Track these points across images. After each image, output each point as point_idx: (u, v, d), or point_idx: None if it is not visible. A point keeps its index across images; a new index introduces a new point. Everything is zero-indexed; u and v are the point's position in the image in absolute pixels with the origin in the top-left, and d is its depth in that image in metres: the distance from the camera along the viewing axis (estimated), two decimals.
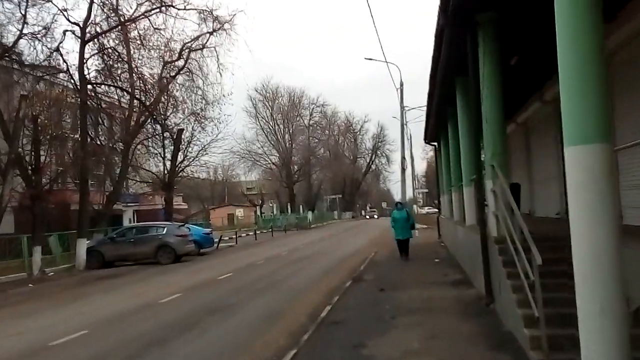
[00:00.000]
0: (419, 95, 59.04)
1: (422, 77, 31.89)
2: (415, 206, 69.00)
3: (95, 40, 23.55)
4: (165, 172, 29.43)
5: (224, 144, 34.65)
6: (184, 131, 29.08)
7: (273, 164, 61.59)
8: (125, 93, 26.70)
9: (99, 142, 25.67)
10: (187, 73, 31.22)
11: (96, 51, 23.46)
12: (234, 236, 38.32)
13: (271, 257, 21.75)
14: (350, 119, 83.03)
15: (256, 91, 62.36)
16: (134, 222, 48.15)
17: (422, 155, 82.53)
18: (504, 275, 6.57)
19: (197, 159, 29.97)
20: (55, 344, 8.12)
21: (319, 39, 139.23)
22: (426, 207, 78.29)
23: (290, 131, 62.38)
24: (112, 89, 27.22)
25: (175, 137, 28.73)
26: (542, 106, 12.08)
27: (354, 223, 62.44)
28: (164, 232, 22.16)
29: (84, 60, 22.34)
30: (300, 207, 70.41)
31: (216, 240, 28.43)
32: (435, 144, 22.82)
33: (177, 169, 29.29)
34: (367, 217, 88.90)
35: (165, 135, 29.38)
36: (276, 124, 62.90)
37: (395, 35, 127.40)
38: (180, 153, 29.62)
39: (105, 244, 21.86)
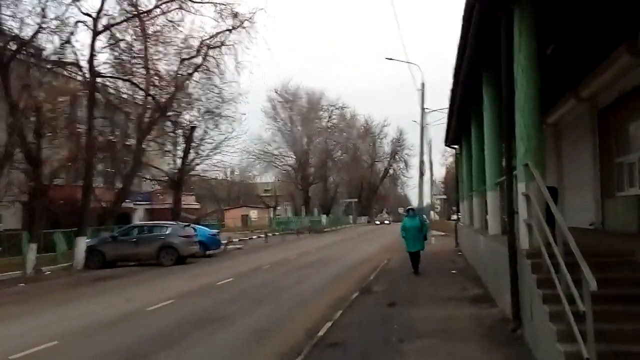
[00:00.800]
0: (440, 99, 57.64)
1: (444, 80, 30.70)
2: (432, 212, 67.47)
3: (109, 32, 22.82)
4: (175, 170, 28.57)
5: (237, 143, 33.75)
6: (197, 129, 28.24)
7: (289, 165, 60.56)
8: (138, 89, 25.92)
9: (109, 138, 24.97)
10: (205, 70, 30.61)
11: (108, 44, 22.62)
12: (244, 238, 37.49)
13: (278, 261, 20.67)
14: (370, 123, 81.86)
15: (276, 92, 61.64)
16: (143, 221, 48.07)
17: (441, 161, 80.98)
18: (539, 298, 5.35)
19: (210, 157, 29.03)
20: (14, 358, 7.11)
21: (340, 41, 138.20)
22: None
23: (308, 133, 61.28)
24: (127, 84, 26.57)
25: (187, 134, 27.90)
26: (577, 104, 10.82)
27: (369, 228, 61.11)
28: (168, 232, 21.23)
29: (94, 52, 21.54)
30: (315, 210, 69.38)
31: (224, 241, 27.45)
32: (457, 146, 21.52)
33: (187, 167, 28.40)
34: (377, 222, 79.96)
35: (177, 132, 28.60)
36: (294, 126, 61.94)
37: (417, 37, 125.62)
38: (192, 151, 28.79)
39: (106, 243, 20.99)
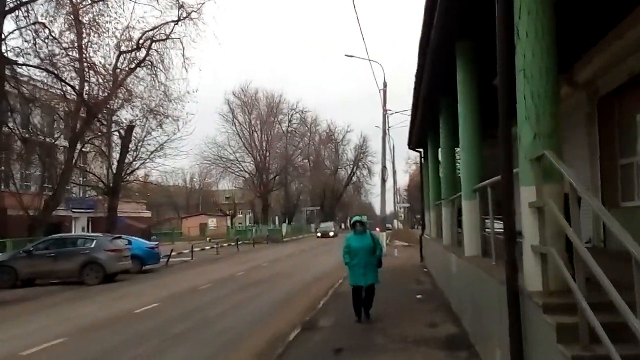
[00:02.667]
0: (404, 102, 56.09)
1: (408, 83, 28.75)
2: (396, 221, 65.72)
3: (24, 14, 19.85)
4: (110, 174, 25.58)
5: (182, 146, 29.31)
6: (137, 129, 25.39)
7: (245, 171, 57.62)
8: (63, 82, 22.94)
9: (27, 136, 21.85)
10: (148, 66, 27.93)
11: (20, 26, 19.63)
12: (196, 249, 34.63)
13: (222, 279, 18.05)
14: (332, 128, 79.87)
15: (234, 95, 58.74)
16: (88, 231, 44.34)
17: (404, 168, 79.69)
18: None
19: (150, 160, 26.09)
20: None
21: (302, 44, 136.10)
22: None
23: (267, 137, 58.53)
24: (55, 78, 23.56)
25: (124, 135, 24.99)
26: (573, 92, 8.78)
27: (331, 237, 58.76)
28: (93, 245, 18.34)
29: (2, 35, 18.52)
30: (277, 218, 66.71)
31: (165, 255, 24.57)
32: (421, 150, 19.45)
33: (126, 171, 25.45)
34: (318, 234, 57.91)
35: (113, 133, 25.67)
36: (253, 130, 59.11)
37: (379, 36, 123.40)
38: (131, 154, 25.87)
39: (19, 259, 17.93)
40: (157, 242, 23.21)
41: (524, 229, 4.16)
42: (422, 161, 19.39)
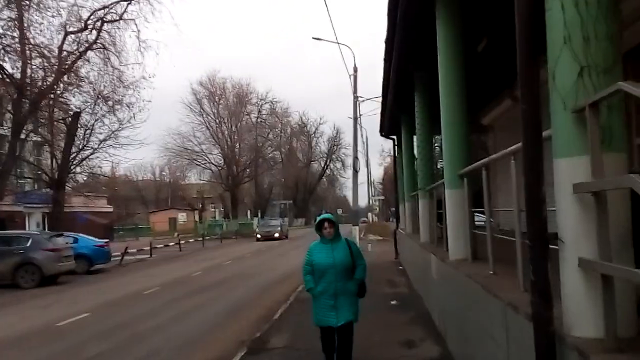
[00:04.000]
0: (376, 89, 54.42)
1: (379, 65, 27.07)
2: (370, 214, 64.37)
3: None
4: (56, 165, 23.23)
5: (137, 134, 25.63)
6: (86, 116, 23.08)
7: (213, 163, 55.13)
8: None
9: None
10: (100, 49, 25.67)
11: None
12: (158, 246, 32.58)
13: (174, 281, 16.15)
14: (305, 120, 77.88)
15: (201, 85, 56.07)
16: (42, 228, 41.59)
17: (379, 161, 78.46)
18: None
19: (100, 149, 23.75)
20: None
21: (272, 35, 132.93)
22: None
23: (235, 128, 56.06)
24: None
25: (70, 122, 22.68)
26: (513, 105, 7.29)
27: (303, 231, 56.97)
28: (28, 244, 16.24)
29: None
30: (248, 212, 64.59)
31: (117, 253, 22.45)
32: (394, 137, 17.80)
33: (71, 161, 23.12)
34: (258, 235, 41.01)
35: (59, 120, 23.33)
36: (222, 121, 56.56)
37: (350, 18, 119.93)
38: (78, 143, 23.54)
39: None
40: (106, 240, 21.03)
41: (563, 229, 2.48)
42: (396, 149, 17.76)
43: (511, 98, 10.58)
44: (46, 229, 41.53)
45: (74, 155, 22.75)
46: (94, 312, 11.10)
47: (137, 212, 77.34)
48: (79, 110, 22.91)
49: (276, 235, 39.09)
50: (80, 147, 23.05)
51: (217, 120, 55.18)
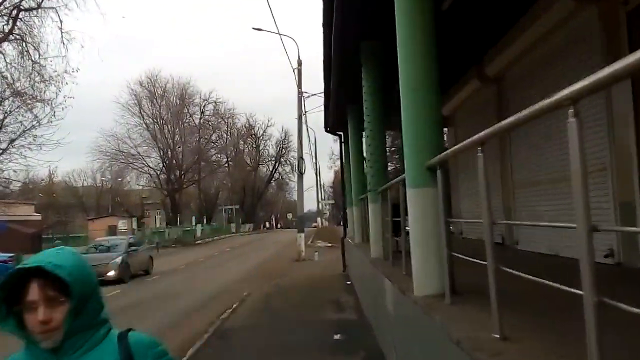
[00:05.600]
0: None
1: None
2: (319, 219, 62.34)
3: None
4: None
5: (53, 133, 21.52)
6: None
7: (150, 167, 51.49)
8: None
9: None
10: (18, 40, 22.63)
11: None
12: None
13: None
14: (252, 122, 75.06)
15: (141, 85, 52.24)
16: None
17: (329, 164, 76.70)
18: None
19: (8, 151, 20.53)
20: None
21: (212, 33, 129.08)
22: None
23: (178, 130, 52.60)
24: None
25: None
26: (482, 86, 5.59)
27: (249, 238, 54.28)
28: None
29: None
30: (193, 218, 61.18)
31: None
32: (341, 133, 15.76)
33: None
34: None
35: None
36: (164, 123, 52.89)
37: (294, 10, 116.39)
38: None
39: None
40: (12, 255, 17.86)
41: None
42: (343, 146, 15.73)
43: (479, 78, 8.76)
44: None
45: None
46: None
47: (70, 219, 72.40)
48: None
49: (110, 274, 16.98)
50: None
51: (158, 122, 51.64)
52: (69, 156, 61.45)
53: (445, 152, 3.76)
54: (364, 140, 10.87)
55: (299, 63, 23.20)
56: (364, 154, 10.59)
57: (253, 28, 25.70)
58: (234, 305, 10.87)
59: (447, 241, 3.65)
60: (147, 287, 16.65)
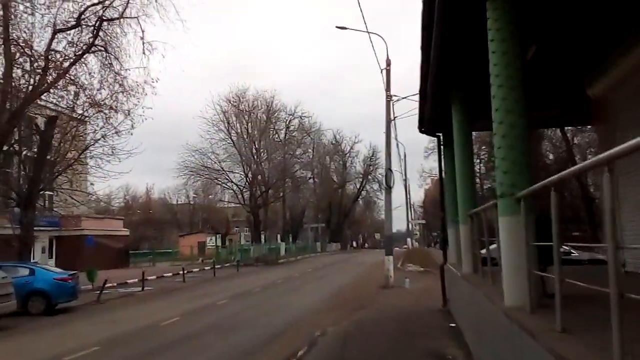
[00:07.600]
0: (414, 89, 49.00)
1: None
2: (409, 240, 58.46)
3: None
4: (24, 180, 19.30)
5: (123, 144, 21.08)
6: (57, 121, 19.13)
7: (233, 182, 50.62)
8: None
9: None
10: (101, 51, 22.19)
11: None
12: (168, 274, 28.58)
13: (133, 333, 11.59)
14: (339, 139, 73.25)
15: (229, 102, 51.99)
16: (48, 252, 38.29)
17: (419, 182, 72.35)
18: None
19: (81, 162, 19.72)
20: None
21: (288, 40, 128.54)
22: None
23: (264, 146, 51.56)
24: None
25: (42, 129, 18.81)
26: None
27: (334, 258, 51.75)
28: None
29: None
30: (278, 236, 60.00)
31: (93, 287, 18.14)
32: (440, 133, 12.77)
33: (44, 176, 19.13)
34: None
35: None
36: (251, 140, 52.15)
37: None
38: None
39: None
40: (73, 273, 16.72)
41: None
42: (442, 149, 12.66)
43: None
44: (53, 255, 38.52)
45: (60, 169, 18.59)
46: None
47: (166, 235, 74.57)
48: (55, 115, 19.06)
49: None
50: (54, 157, 19.01)
51: (245, 138, 51.01)
52: (163, 174, 62.72)
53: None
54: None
55: (388, 63, 20.64)
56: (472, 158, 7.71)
57: (337, 27, 23.34)
58: (300, 354, 8.27)
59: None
60: (212, 313, 14.59)
